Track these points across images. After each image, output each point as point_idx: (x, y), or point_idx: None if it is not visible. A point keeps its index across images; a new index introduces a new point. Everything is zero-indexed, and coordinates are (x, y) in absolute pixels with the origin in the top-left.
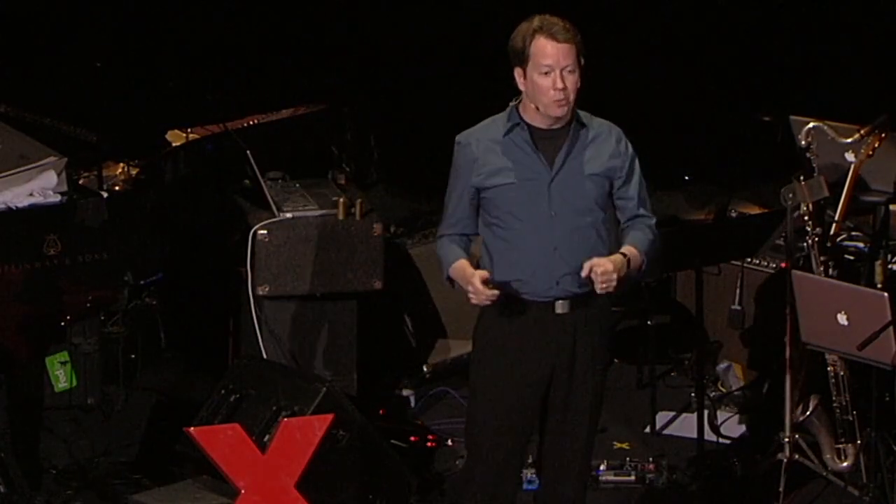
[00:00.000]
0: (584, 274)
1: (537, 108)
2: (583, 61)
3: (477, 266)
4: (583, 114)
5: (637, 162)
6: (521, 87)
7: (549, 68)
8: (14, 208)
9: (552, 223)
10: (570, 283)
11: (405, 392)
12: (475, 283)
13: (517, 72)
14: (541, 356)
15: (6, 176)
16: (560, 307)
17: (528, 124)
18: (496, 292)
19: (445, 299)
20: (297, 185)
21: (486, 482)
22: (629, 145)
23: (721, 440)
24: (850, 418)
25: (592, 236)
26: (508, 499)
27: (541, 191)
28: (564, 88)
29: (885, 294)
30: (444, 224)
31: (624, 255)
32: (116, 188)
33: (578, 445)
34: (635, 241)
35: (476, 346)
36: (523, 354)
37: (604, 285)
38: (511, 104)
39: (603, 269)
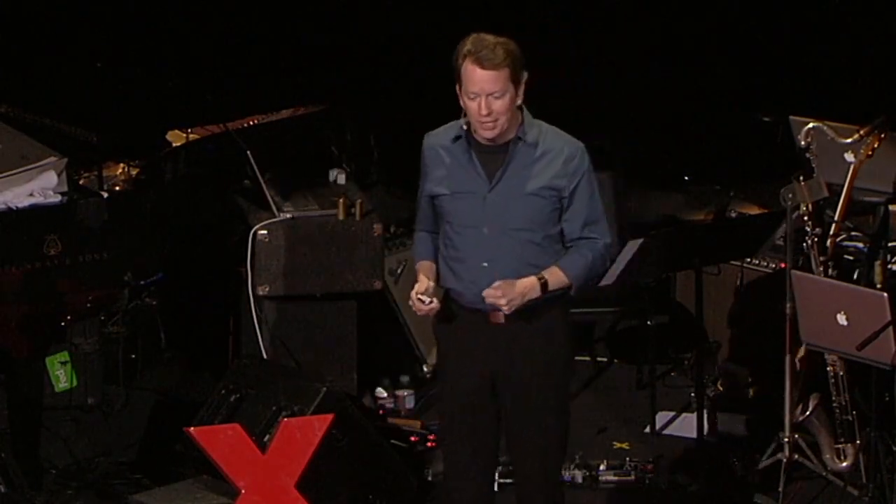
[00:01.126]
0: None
1: None
2: (523, 76)
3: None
4: (538, 129)
5: (588, 182)
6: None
7: (475, 94)
8: (14, 208)
9: (484, 238)
10: None
11: (405, 392)
12: (413, 294)
13: (457, 87)
14: (480, 363)
15: (6, 176)
16: (494, 318)
17: (471, 137)
18: (432, 307)
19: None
20: (297, 185)
21: (458, 482)
22: (582, 165)
23: (721, 440)
24: (850, 418)
25: (528, 254)
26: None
27: (476, 205)
28: (489, 114)
29: (885, 294)
30: (417, 217)
31: (541, 277)
32: (117, 188)
33: (533, 451)
34: (564, 264)
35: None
36: (464, 360)
37: (496, 307)
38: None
39: (490, 296)
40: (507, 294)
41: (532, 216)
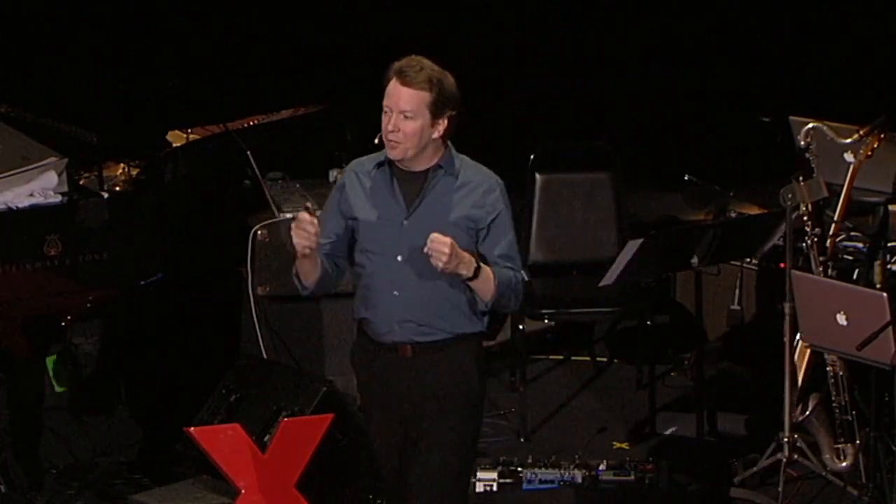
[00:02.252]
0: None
1: None
2: (447, 112)
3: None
4: (460, 161)
5: (505, 219)
6: None
7: (387, 108)
8: (15, 208)
9: (398, 267)
10: (411, 331)
11: None
12: (301, 215)
13: None
14: (388, 394)
15: (7, 176)
16: (403, 351)
17: (394, 165)
18: (315, 228)
19: None
20: (298, 185)
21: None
22: (501, 200)
23: (721, 440)
24: (850, 418)
25: (441, 286)
26: None
27: (392, 232)
28: (395, 132)
29: (885, 294)
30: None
31: (478, 262)
32: (117, 188)
33: (432, 488)
34: (494, 269)
35: None
36: (375, 390)
37: (434, 256)
38: None
39: (438, 243)
40: (451, 248)
41: None
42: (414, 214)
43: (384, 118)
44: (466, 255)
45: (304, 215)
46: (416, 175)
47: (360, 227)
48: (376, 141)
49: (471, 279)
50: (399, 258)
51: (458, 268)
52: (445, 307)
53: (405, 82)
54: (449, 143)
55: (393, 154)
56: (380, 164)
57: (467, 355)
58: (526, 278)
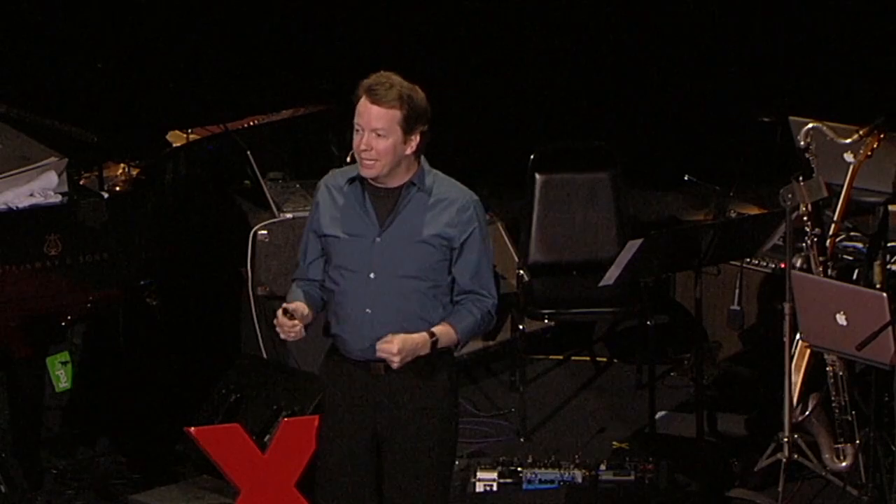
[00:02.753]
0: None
1: None
2: (419, 128)
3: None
4: (433, 177)
5: (481, 235)
6: None
7: (358, 126)
8: (15, 209)
9: (370, 283)
10: None
11: None
12: (278, 314)
13: None
14: (363, 419)
15: (7, 176)
16: (375, 368)
17: (367, 180)
18: (297, 325)
19: None
20: (298, 185)
21: None
22: (476, 217)
23: (721, 440)
24: (849, 418)
25: (413, 303)
26: None
27: (365, 248)
28: (367, 150)
29: (884, 294)
30: (299, 266)
31: (431, 334)
32: (117, 189)
33: (410, 501)
34: (453, 320)
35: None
36: (345, 409)
37: (392, 359)
38: None
39: (383, 350)
40: (400, 349)
41: (421, 264)
42: (387, 232)
43: (356, 137)
44: (418, 339)
45: (283, 321)
46: (389, 191)
47: (333, 244)
48: (348, 160)
49: (433, 350)
50: (372, 275)
51: (415, 354)
52: (418, 325)
53: (375, 100)
54: (422, 158)
55: (366, 173)
56: (352, 180)
57: (439, 372)
58: (496, 300)
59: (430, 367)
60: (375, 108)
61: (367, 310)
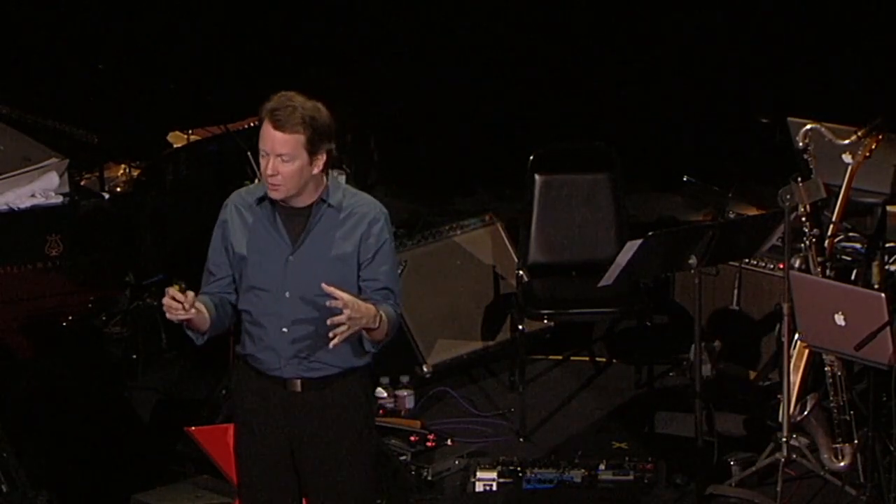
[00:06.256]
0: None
1: None
2: (324, 147)
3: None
4: (342, 193)
5: (388, 249)
6: None
7: (264, 151)
8: (16, 209)
9: (286, 303)
10: (300, 367)
11: (405, 392)
12: (168, 291)
13: None
14: (278, 434)
15: (8, 177)
16: (292, 386)
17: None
18: (188, 314)
19: (445, 299)
20: None
21: None
22: (385, 230)
23: (720, 440)
24: (848, 418)
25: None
26: None
27: (278, 268)
28: (274, 175)
29: (882, 294)
30: (204, 277)
31: (379, 313)
32: (118, 189)
33: None
34: (383, 310)
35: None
36: (262, 430)
37: (340, 330)
38: None
39: (335, 304)
40: (350, 302)
41: (335, 281)
42: (300, 250)
43: (262, 161)
44: (371, 308)
45: (168, 300)
46: (300, 210)
47: (245, 265)
48: (256, 181)
49: (377, 324)
50: (287, 294)
51: (365, 316)
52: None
53: (278, 126)
54: (330, 173)
55: (274, 195)
56: (261, 200)
57: (356, 387)
58: (399, 315)
59: (346, 383)
60: (279, 135)
61: (284, 329)
